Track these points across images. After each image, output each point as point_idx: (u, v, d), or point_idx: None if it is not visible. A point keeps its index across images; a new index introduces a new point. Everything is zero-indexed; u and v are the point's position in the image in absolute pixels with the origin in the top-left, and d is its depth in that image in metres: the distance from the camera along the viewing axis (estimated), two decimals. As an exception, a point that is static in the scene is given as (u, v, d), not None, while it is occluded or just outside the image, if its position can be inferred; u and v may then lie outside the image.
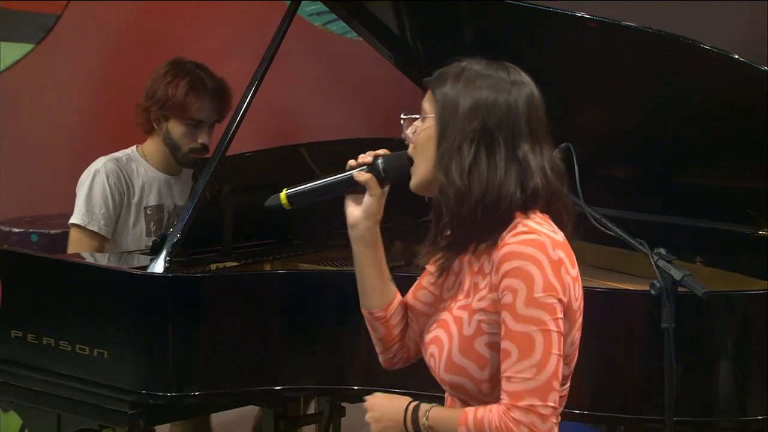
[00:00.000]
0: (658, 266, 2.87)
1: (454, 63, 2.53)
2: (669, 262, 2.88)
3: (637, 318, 3.32)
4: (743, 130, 3.57)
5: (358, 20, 4.21)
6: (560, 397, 2.49)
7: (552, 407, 2.37)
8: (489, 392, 2.45)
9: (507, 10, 3.66)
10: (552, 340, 2.37)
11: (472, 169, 2.43)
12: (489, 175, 2.43)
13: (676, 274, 2.84)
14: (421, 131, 2.50)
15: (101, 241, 4.07)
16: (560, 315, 2.40)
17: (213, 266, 3.79)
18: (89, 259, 3.92)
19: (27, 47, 5.69)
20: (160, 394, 3.36)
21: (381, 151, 2.59)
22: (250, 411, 4.49)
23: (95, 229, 4.05)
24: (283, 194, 2.63)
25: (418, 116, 2.52)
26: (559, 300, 2.40)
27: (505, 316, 2.38)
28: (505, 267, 2.39)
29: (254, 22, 5.67)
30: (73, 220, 4.11)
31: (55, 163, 5.70)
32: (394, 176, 2.57)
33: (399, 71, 4.46)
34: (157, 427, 4.13)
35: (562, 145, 3.51)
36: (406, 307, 2.69)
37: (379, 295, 2.66)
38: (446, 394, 2.60)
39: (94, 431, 3.56)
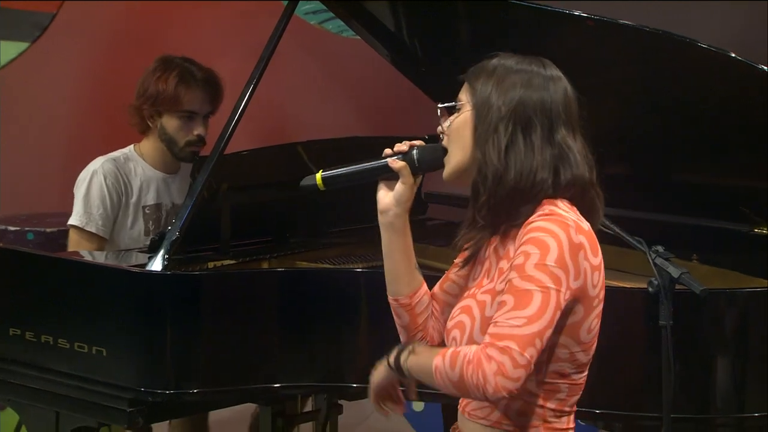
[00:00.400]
0: (656, 264, 2.88)
1: (490, 57, 2.59)
2: (667, 259, 2.90)
3: (633, 315, 3.33)
4: (739, 129, 3.59)
5: (355, 19, 4.22)
6: (576, 385, 2.54)
7: (527, 360, 2.36)
8: None
9: (505, 8, 3.67)
10: (549, 304, 2.39)
11: (509, 149, 2.49)
12: (526, 155, 2.49)
13: (674, 272, 2.86)
14: (457, 121, 2.57)
15: (99, 242, 4.08)
16: (564, 290, 2.41)
17: (210, 264, 3.81)
18: (88, 258, 3.93)
19: (22, 46, 5.71)
20: (159, 391, 3.37)
21: (417, 142, 2.64)
22: (247, 409, 4.50)
23: (93, 230, 4.06)
24: (318, 175, 2.67)
25: (454, 103, 2.59)
26: (567, 280, 2.41)
27: (512, 275, 2.42)
28: (525, 237, 2.44)
29: (248, 21, 5.68)
30: (71, 221, 4.12)
31: (49, 162, 5.72)
32: (428, 166, 2.64)
33: (394, 70, 4.47)
34: (154, 425, 4.14)
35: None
36: (431, 297, 2.73)
37: (405, 282, 2.70)
38: None
39: (93, 429, 3.57)
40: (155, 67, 4.18)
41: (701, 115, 3.67)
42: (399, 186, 2.63)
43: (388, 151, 2.65)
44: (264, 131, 5.44)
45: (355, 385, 3.39)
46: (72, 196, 4.18)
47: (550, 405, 2.51)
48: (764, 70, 3.29)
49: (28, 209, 5.35)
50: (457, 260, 2.71)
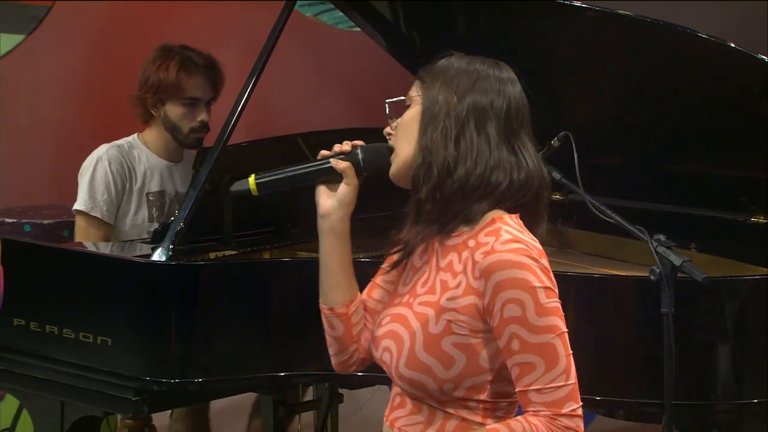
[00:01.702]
0: (657, 252, 2.92)
1: (444, 56, 2.52)
2: (668, 248, 2.93)
3: (633, 303, 3.36)
4: (738, 119, 3.61)
5: (354, 9, 4.24)
6: (513, 403, 2.47)
7: (575, 405, 2.37)
8: (450, 392, 2.42)
9: (504, -1, 3.71)
10: (567, 341, 2.38)
11: (460, 138, 2.42)
12: (480, 148, 2.42)
13: (676, 260, 2.89)
14: (406, 116, 2.48)
15: (105, 228, 4.11)
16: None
17: (212, 255, 3.83)
18: (92, 248, 3.95)
19: (17, 38, 5.71)
20: (164, 380, 3.39)
21: (358, 142, 2.55)
22: (246, 399, 4.53)
23: (98, 215, 4.09)
24: (252, 180, 2.56)
25: (402, 98, 2.51)
26: (558, 298, 2.39)
27: (516, 329, 2.35)
28: (498, 277, 2.36)
29: (242, 15, 5.70)
30: (76, 206, 4.15)
31: (44, 154, 5.72)
32: (373, 166, 2.53)
33: (389, 62, 4.49)
34: (156, 414, 4.16)
35: (561, 133, 3.57)
36: (364, 305, 2.65)
37: (343, 291, 2.60)
38: (395, 393, 2.55)
39: (98, 418, 3.59)
40: (155, 56, 4.20)
41: (701, 105, 3.69)
42: (343, 188, 2.54)
43: (324, 152, 2.55)
44: (258, 124, 5.46)
45: (360, 374, 3.40)
46: (65, 187, 4.21)
47: (489, 422, 2.45)
48: (764, 60, 3.31)
49: (19, 202, 5.35)
50: (384, 265, 2.62)
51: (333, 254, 2.57)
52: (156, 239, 3.60)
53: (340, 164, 2.52)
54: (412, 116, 2.48)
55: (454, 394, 2.43)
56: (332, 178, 2.53)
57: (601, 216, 3.30)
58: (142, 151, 4.23)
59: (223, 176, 3.81)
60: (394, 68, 4.49)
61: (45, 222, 4.94)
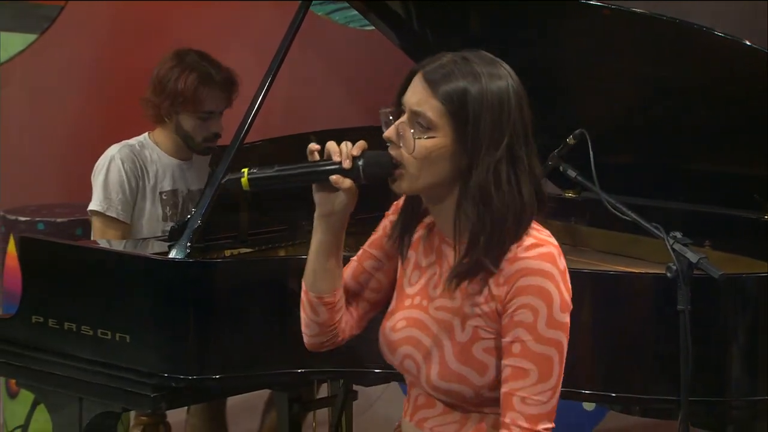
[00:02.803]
0: (674, 249, 2.93)
1: (463, 64, 2.41)
2: (684, 245, 2.95)
3: (648, 301, 3.37)
4: (753, 117, 3.62)
5: (370, 9, 4.25)
6: None
7: (550, 419, 2.40)
8: (486, 395, 2.44)
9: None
10: (563, 360, 2.40)
11: (508, 192, 2.38)
12: (519, 194, 2.40)
13: (692, 257, 2.91)
14: (430, 146, 2.38)
15: (122, 227, 4.12)
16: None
17: (227, 252, 3.85)
18: (110, 246, 3.97)
19: (30, 38, 5.73)
20: (182, 377, 3.41)
21: (357, 150, 2.45)
22: (261, 394, 4.54)
23: (114, 214, 4.11)
24: (245, 176, 2.50)
25: (425, 128, 2.39)
26: (570, 313, 2.42)
27: (523, 333, 2.38)
28: (521, 282, 2.38)
29: (253, 13, 5.72)
30: (91, 206, 4.16)
31: (56, 153, 5.75)
32: (373, 178, 2.45)
33: (399, 61, 4.50)
34: (171, 411, 4.17)
35: (577, 131, 3.59)
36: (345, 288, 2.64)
37: (331, 280, 2.59)
38: (417, 393, 2.55)
39: (116, 414, 3.61)
40: (173, 64, 4.18)
41: (715, 102, 3.70)
42: (342, 197, 2.47)
43: (313, 147, 2.48)
44: (271, 122, 5.47)
45: (377, 371, 3.42)
46: (77, 186, 4.22)
47: None
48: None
49: (32, 201, 5.38)
50: (374, 251, 2.62)
51: (326, 247, 2.56)
52: (173, 237, 3.62)
53: (344, 183, 2.44)
54: (441, 149, 2.39)
55: (490, 395, 2.44)
56: (328, 183, 2.45)
57: (618, 213, 3.31)
58: (153, 150, 4.24)
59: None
60: (406, 65, 4.50)
61: (58, 220, 4.97)
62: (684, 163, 3.99)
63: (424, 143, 2.39)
